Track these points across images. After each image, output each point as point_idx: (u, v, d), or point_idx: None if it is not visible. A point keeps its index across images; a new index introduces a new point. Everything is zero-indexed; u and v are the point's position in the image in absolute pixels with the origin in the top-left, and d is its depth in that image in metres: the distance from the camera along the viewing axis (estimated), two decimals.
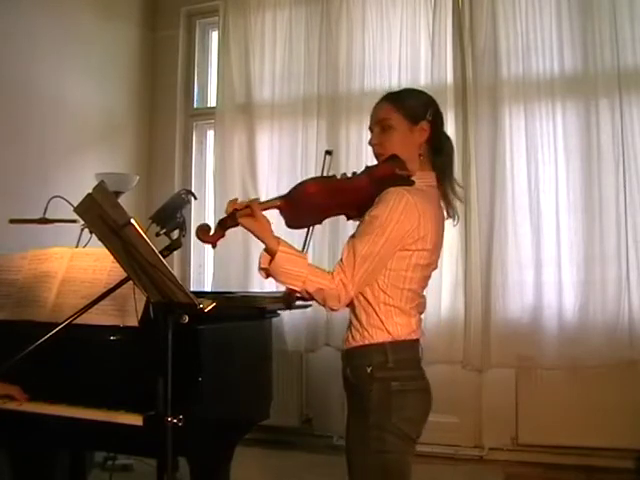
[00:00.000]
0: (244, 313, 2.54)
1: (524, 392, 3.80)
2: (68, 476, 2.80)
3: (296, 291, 1.79)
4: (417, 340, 1.88)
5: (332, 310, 1.82)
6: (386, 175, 1.84)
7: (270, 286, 4.03)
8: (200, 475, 2.26)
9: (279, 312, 2.83)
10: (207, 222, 1.99)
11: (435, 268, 1.94)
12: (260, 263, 1.79)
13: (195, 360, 2.15)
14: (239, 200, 1.83)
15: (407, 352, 1.85)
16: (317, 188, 1.83)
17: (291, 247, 1.79)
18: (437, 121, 1.96)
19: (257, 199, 1.84)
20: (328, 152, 2.03)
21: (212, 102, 4.73)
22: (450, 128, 3.86)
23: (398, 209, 1.76)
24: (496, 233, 3.70)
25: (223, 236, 1.87)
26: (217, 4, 4.51)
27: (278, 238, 1.78)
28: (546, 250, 3.64)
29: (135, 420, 2.04)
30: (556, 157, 3.67)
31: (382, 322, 1.82)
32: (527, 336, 3.62)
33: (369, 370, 1.81)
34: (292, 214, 1.82)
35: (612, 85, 3.57)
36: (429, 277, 1.94)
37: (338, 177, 1.88)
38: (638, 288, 3.51)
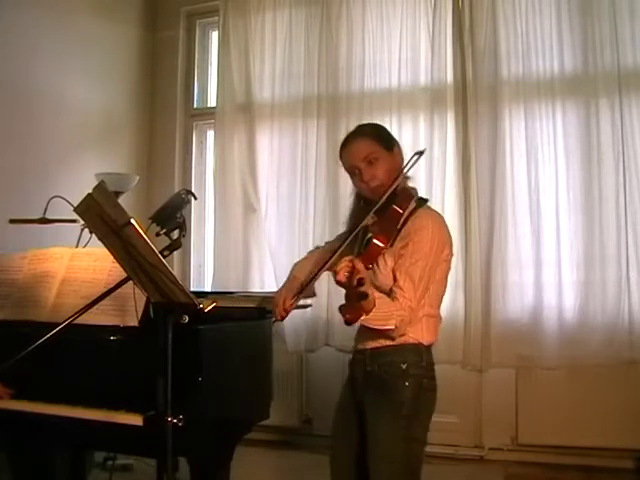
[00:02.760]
0: (244, 313, 2.54)
1: (524, 392, 3.80)
2: (68, 476, 2.80)
3: (389, 330, 1.88)
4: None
5: (402, 336, 1.95)
6: (409, 201, 2.03)
7: (270, 286, 4.05)
8: (200, 475, 2.26)
9: None
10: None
11: None
12: (354, 316, 1.76)
13: (195, 360, 2.15)
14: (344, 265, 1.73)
15: (431, 355, 2.07)
16: (381, 236, 1.95)
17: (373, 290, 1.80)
18: (399, 145, 2.13)
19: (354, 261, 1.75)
20: (420, 153, 2.07)
21: (212, 102, 4.72)
22: (450, 128, 3.88)
23: (437, 230, 1.98)
24: (496, 233, 3.70)
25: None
26: (217, 4, 4.51)
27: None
28: (546, 250, 3.64)
29: (135, 420, 2.04)
30: (556, 157, 3.67)
31: (422, 331, 2.01)
32: (527, 336, 3.62)
33: (404, 367, 1.98)
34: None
35: (612, 85, 3.56)
36: None
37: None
38: (638, 288, 3.51)
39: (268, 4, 4.35)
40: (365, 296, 1.72)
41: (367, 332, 2.00)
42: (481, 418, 3.87)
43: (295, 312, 3.74)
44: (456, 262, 3.77)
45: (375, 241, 1.95)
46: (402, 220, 2.00)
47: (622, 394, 3.52)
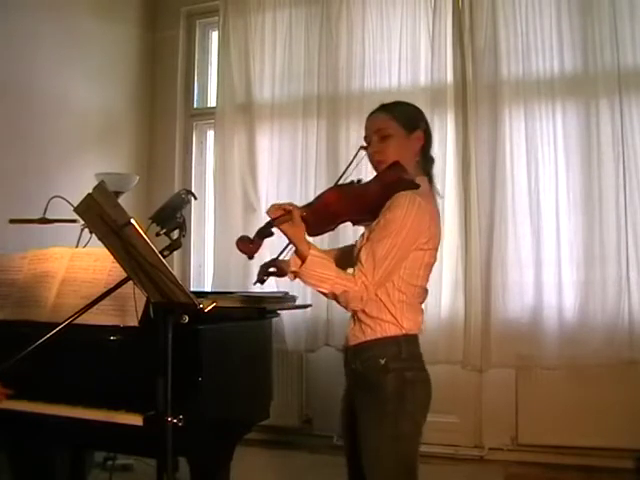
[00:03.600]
0: (244, 313, 2.54)
1: (524, 392, 3.80)
2: (68, 476, 2.80)
3: (323, 293, 1.87)
4: (418, 336, 2.02)
5: (353, 311, 1.96)
6: (394, 180, 1.95)
7: (270, 286, 4.05)
8: (200, 475, 2.26)
9: (279, 312, 2.83)
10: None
11: None
12: (290, 266, 1.90)
13: (195, 360, 2.16)
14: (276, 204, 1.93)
15: (416, 346, 1.99)
16: (337, 196, 1.95)
17: (320, 251, 1.91)
18: (429, 131, 2.10)
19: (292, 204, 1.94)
20: (364, 147, 2.08)
21: (212, 102, 4.72)
22: (450, 128, 3.88)
23: (412, 211, 1.88)
24: (496, 233, 3.70)
25: (261, 245, 1.93)
26: (217, 4, 4.51)
27: (309, 243, 1.88)
28: (546, 250, 3.64)
29: (135, 420, 2.04)
30: (556, 157, 3.67)
31: (396, 318, 1.94)
32: (527, 336, 3.62)
33: (383, 362, 1.92)
34: (314, 221, 1.92)
35: (612, 85, 3.56)
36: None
37: (354, 184, 2.00)
38: (638, 288, 3.51)
39: (268, 4, 4.35)
40: (263, 231, 1.85)
41: (351, 329, 2.01)
42: (481, 418, 3.87)
43: (295, 312, 3.78)
44: (456, 262, 3.78)
45: (326, 194, 1.96)
46: (380, 197, 1.93)
47: (622, 394, 3.52)
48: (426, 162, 2.08)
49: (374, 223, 1.93)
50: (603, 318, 3.52)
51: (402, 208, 1.88)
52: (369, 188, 1.97)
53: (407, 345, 1.95)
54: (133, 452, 2.83)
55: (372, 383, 1.94)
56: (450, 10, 3.91)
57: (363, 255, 1.88)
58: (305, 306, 3.34)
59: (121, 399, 2.11)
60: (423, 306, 2.05)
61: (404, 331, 1.94)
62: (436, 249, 1.99)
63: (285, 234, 1.89)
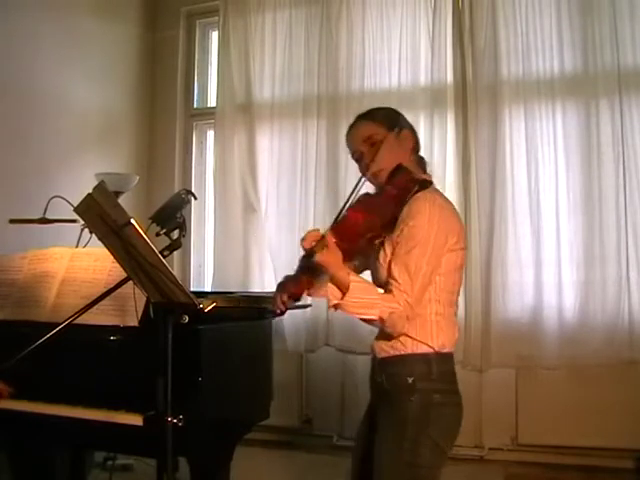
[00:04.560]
0: (244, 313, 2.54)
1: (524, 392, 3.80)
2: (68, 476, 2.80)
3: (369, 320, 1.73)
4: (453, 352, 1.87)
5: (399, 333, 1.77)
6: (407, 182, 1.83)
7: (270, 286, 4.05)
8: (200, 475, 2.26)
9: None
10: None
11: None
12: (329, 300, 1.73)
13: (195, 360, 2.16)
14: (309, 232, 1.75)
15: (448, 364, 1.84)
16: (361, 212, 1.78)
17: (359, 275, 1.78)
18: (414, 130, 2.01)
19: (319, 231, 1.75)
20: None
21: (212, 102, 4.72)
22: (450, 128, 3.88)
23: (435, 214, 1.76)
24: (496, 233, 3.70)
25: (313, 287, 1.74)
26: (217, 4, 4.51)
27: (346, 268, 1.73)
28: (546, 250, 3.64)
29: (135, 420, 2.04)
30: (556, 157, 3.67)
31: (431, 334, 1.79)
32: (527, 336, 3.62)
33: (410, 380, 1.77)
34: (345, 245, 1.74)
35: (612, 85, 3.56)
36: None
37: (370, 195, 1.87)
38: (638, 288, 3.51)
39: (268, 4, 4.35)
40: (312, 268, 1.65)
41: (380, 338, 1.87)
42: (481, 418, 3.87)
43: (295, 312, 3.78)
44: None
45: (348, 213, 1.77)
46: (397, 203, 1.80)
47: (622, 394, 3.52)
48: (421, 161, 1.99)
49: (396, 234, 1.79)
50: (603, 318, 3.52)
51: (424, 212, 1.76)
52: (385, 195, 1.83)
53: (439, 364, 1.79)
54: (133, 452, 2.83)
55: (395, 402, 1.80)
56: (450, 10, 3.90)
57: (395, 271, 1.73)
58: (305, 306, 3.33)
59: (121, 399, 2.11)
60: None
61: (437, 348, 1.79)
62: (465, 248, 1.86)
63: (322, 264, 1.69)
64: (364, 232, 1.79)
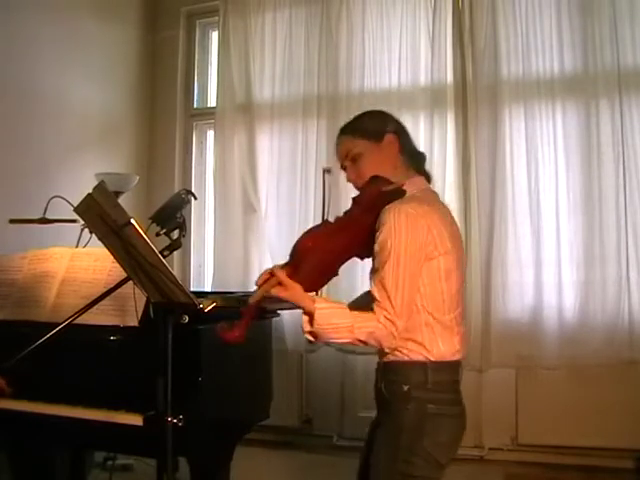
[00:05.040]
0: None
1: (524, 392, 3.79)
2: (68, 476, 2.80)
3: (347, 343, 1.71)
4: (459, 361, 1.83)
5: (390, 349, 1.75)
6: (374, 197, 1.80)
7: None
8: (200, 475, 2.27)
9: (279, 312, 2.83)
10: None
11: (465, 267, 1.91)
12: (303, 329, 1.73)
13: (195, 360, 2.16)
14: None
15: (447, 374, 1.80)
16: (312, 241, 1.73)
17: (327, 301, 1.75)
18: (400, 129, 1.97)
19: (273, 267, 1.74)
20: (327, 170, 2.00)
21: (212, 102, 4.72)
22: (450, 128, 3.88)
23: (401, 224, 1.70)
24: (496, 233, 3.70)
25: (251, 320, 1.73)
26: (217, 4, 4.50)
27: (312, 297, 1.72)
28: (546, 250, 3.64)
29: (135, 420, 2.04)
30: (556, 157, 3.67)
31: (424, 345, 1.76)
32: (527, 336, 3.62)
33: (405, 388, 1.75)
34: (305, 276, 1.71)
35: (612, 85, 3.56)
36: (464, 279, 1.90)
37: (327, 222, 1.83)
38: (638, 288, 3.51)
39: (268, 4, 4.35)
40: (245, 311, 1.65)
41: None
42: (481, 418, 3.87)
43: (295, 312, 3.75)
44: None
45: (299, 243, 1.72)
46: (368, 219, 1.76)
47: (622, 394, 3.52)
48: (413, 159, 1.94)
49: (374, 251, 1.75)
50: (603, 318, 3.52)
51: (389, 223, 1.71)
52: (350, 217, 1.80)
53: (435, 374, 1.75)
54: (133, 452, 2.83)
55: (393, 410, 1.78)
56: (450, 10, 3.90)
57: (374, 290, 1.71)
58: None
59: (121, 399, 2.11)
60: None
61: (433, 358, 1.75)
62: (450, 251, 1.78)
63: (282, 299, 1.71)
64: (322, 261, 1.75)
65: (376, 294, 1.70)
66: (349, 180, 1.92)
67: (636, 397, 3.48)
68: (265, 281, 1.72)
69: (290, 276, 1.70)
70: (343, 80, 4.13)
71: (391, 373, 1.81)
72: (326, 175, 1.97)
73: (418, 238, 1.72)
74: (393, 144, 1.90)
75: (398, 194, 1.80)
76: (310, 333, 1.73)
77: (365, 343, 1.70)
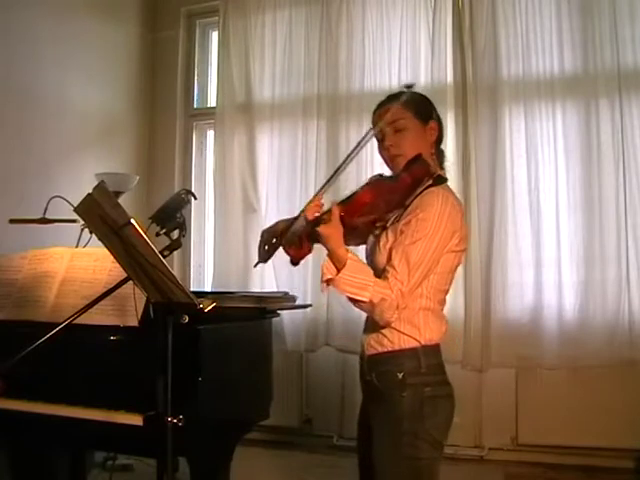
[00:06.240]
0: (244, 313, 2.54)
1: (524, 392, 3.80)
2: (68, 476, 2.80)
3: (358, 302, 1.71)
4: (439, 344, 1.87)
5: (387, 322, 1.75)
6: (423, 174, 1.81)
7: (270, 286, 4.05)
8: (200, 475, 2.26)
9: (279, 312, 2.83)
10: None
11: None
12: (324, 274, 1.72)
13: (195, 360, 2.15)
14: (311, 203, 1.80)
15: (437, 356, 1.84)
16: (373, 193, 1.75)
17: (356, 255, 1.75)
18: (441, 121, 1.99)
19: (334, 202, 1.75)
20: (408, 86, 1.90)
21: (212, 102, 4.73)
22: (450, 128, 3.87)
23: (446, 211, 1.74)
24: (496, 233, 3.70)
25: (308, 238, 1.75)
26: (217, 4, 4.51)
27: (344, 245, 1.73)
28: (546, 250, 3.64)
29: (135, 420, 2.04)
30: (556, 157, 3.67)
31: (419, 328, 1.79)
32: (527, 336, 3.63)
33: (400, 376, 1.77)
34: (349, 223, 1.73)
35: (612, 85, 3.57)
36: None
37: (383, 178, 1.86)
38: (638, 288, 3.51)
39: (268, 4, 4.36)
40: (315, 236, 1.65)
41: (367, 332, 1.87)
42: (481, 418, 3.87)
43: (295, 312, 3.78)
44: None
45: (358, 192, 1.75)
46: (409, 192, 1.78)
47: (622, 394, 3.52)
48: (440, 154, 1.96)
49: (402, 223, 1.77)
50: (603, 318, 3.53)
51: (436, 207, 1.73)
52: (400, 182, 1.79)
53: (427, 357, 1.79)
54: (133, 452, 2.82)
55: (387, 399, 1.79)
56: (450, 10, 3.91)
57: (395, 259, 1.71)
58: (305, 306, 3.34)
59: (121, 399, 2.11)
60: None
61: (424, 342, 1.79)
62: (466, 250, 1.86)
63: (321, 236, 1.71)
64: (369, 213, 1.78)
65: (396, 263, 1.71)
66: (386, 146, 1.88)
67: (636, 397, 3.48)
68: (322, 213, 1.72)
69: (342, 217, 1.71)
70: (343, 80, 4.13)
71: (381, 364, 1.82)
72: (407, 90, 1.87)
73: (452, 229, 1.76)
74: (434, 131, 1.92)
75: (441, 180, 1.83)
76: (328, 280, 1.72)
77: (373, 307, 1.70)
